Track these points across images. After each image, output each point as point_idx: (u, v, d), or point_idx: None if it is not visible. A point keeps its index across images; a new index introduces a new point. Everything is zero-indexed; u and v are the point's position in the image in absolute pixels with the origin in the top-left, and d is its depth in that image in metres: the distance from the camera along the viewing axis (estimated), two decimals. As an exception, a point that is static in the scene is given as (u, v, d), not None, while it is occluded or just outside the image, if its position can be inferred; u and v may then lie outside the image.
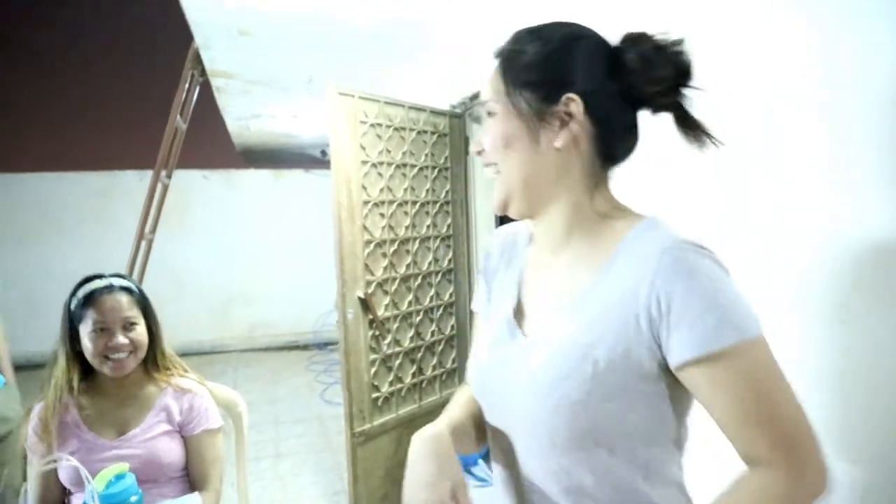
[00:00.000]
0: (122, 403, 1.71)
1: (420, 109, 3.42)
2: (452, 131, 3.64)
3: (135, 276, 4.29)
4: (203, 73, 4.33)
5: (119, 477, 1.22)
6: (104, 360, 1.65)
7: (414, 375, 3.40)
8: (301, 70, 4.07)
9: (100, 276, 1.72)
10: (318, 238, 7.32)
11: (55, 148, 7.41)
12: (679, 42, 0.86)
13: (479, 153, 0.97)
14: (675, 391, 0.84)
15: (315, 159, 7.76)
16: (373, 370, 3.14)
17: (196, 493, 1.67)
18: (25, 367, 6.83)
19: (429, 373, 3.50)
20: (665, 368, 0.82)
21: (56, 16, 7.47)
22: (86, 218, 7.21)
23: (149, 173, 7.06)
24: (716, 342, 0.76)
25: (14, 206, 7.15)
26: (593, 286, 0.87)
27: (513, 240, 1.10)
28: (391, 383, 3.25)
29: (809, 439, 0.77)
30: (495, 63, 0.95)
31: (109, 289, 1.69)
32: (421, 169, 3.44)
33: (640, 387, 0.83)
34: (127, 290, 1.72)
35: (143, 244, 4.15)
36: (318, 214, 7.41)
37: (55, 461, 1.49)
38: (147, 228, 4.17)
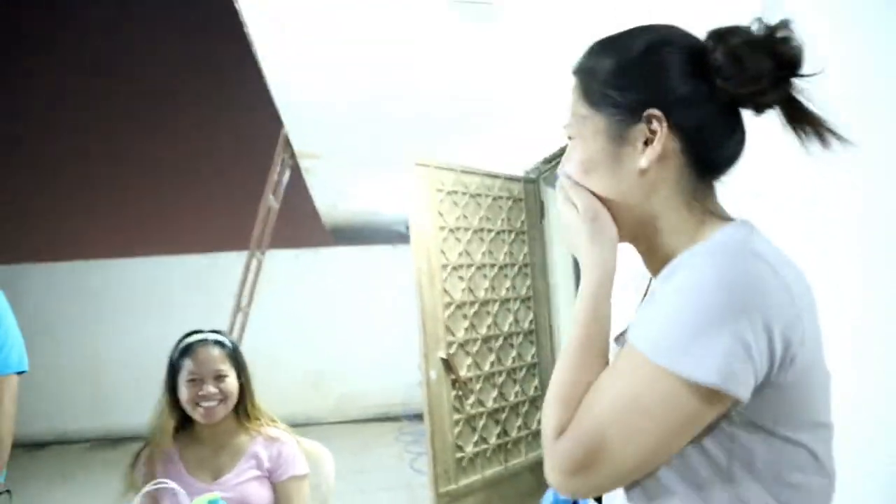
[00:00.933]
0: (217, 450, 1.84)
1: (495, 176, 3.56)
2: (527, 196, 3.75)
3: (232, 348, 4.55)
4: (293, 155, 4.67)
5: (212, 502, 1.32)
6: (195, 406, 1.80)
7: (499, 436, 3.41)
8: (381, 146, 4.32)
9: (199, 332, 1.89)
10: (405, 311, 7.49)
11: (161, 233, 8.05)
12: (781, 27, 0.74)
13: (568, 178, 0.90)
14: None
15: (400, 234, 8.04)
16: (457, 430, 3.17)
17: None
18: (134, 439, 7.25)
19: (514, 434, 3.50)
20: None
21: (155, 114, 8.24)
22: (189, 296, 7.74)
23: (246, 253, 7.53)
24: (634, 335, 0.72)
25: (126, 288, 7.77)
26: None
27: None
28: (476, 444, 3.27)
29: (595, 448, 0.70)
30: (573, 81, 0.88)
31: (204, 342, 1.85)
32: (498, 233, 3.54)
33: None
34: (220, 344, 1.87)
35: (240, 317, 4.42)
36: (405, 288, 7.62)
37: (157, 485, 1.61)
38: (243, 302, 4.44)
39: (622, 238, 0.86)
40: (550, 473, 0.73)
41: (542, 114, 3.42)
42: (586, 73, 0.85)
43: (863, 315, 1.38)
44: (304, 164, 4.61)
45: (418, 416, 7.31)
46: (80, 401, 7.68)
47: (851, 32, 1.41)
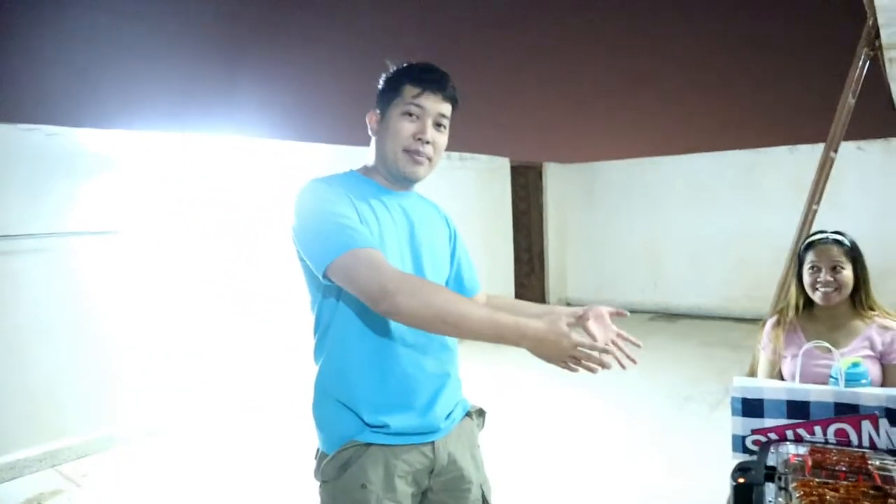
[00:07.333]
0: (833, 329, 2.19)
1: None
2: None
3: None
4: (873, 48, 4.48)
5: (855, 364, 1.74)
6: (814, 290, 2.19)
7: None
8: None
9: (822, 231, 2.27)
10: None
11: (707, 132, 8.60)
12: None
13: None
14: None
15: None
16: None
17: None
18: (687, 317, 8.27)
19: None
20: None
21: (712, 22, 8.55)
22: (735, 189, 8.20)
23: (797, 148, 7.56)
24: None
25: (679, 182, 8.65)
26: None
27: None
28: None
29: None
30: None
31: (824, 240, 2.21)
32: None
33: None
34: (838, 241, 2.21)
35: (810, 214, 4.59)
36: None
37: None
38: (814, 200, 4.60)
39: None
40: None
41: None
42: None
43: None
44: (889, 55, 4.39)
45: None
46: (643, 278, 9.02)
47: None
